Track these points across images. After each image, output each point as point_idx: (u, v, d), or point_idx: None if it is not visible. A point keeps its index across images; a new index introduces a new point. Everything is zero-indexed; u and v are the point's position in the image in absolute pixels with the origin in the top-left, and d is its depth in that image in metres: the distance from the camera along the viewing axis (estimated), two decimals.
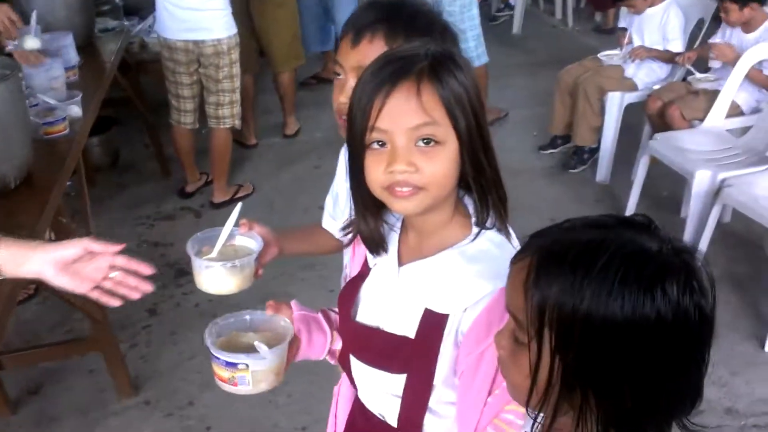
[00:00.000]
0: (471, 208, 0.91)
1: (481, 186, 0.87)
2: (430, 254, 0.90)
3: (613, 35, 5.17)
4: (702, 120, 2.98)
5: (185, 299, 2.76)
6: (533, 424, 0.72)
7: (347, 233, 1.00)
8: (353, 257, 1.07)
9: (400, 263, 0.93)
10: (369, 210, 0.93)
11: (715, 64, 3.24)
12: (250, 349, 1.00)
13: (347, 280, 1.07)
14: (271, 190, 3.59)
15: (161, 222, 3.34)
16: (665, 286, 0.60)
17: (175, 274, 2.92)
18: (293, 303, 1.08)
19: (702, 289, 0.62)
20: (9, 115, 1.69)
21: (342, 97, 1.06)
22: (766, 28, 3.03)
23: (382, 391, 0.97)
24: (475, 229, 0.89)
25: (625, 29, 3.58)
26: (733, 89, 2.89)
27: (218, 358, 0.99)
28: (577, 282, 0.61)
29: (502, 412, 0.88)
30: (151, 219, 3.35)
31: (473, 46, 3.71)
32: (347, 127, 0.88)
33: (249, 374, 1.00)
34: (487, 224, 0.89)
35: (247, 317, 1.08)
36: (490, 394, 0.88)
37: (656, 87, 3.31)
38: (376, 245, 0.95)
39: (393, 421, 0.98)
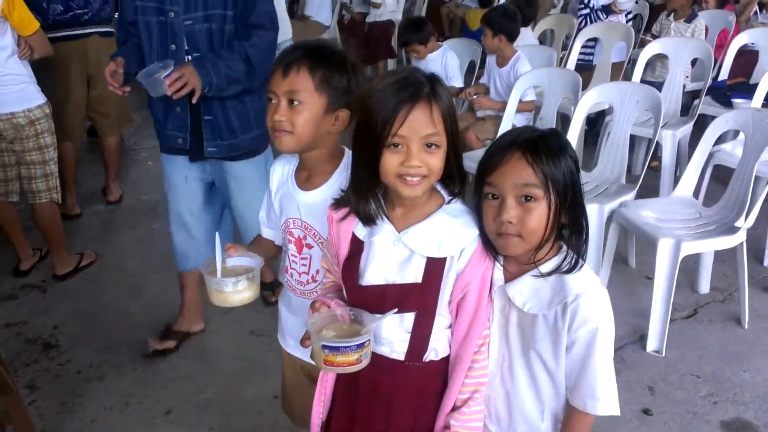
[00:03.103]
0: (440, 187, 1.28)
1: (454, 171, 1.24)
2: (420, 219, 1.25)
3: None
4: (492, 139, 3.68)
5: (63, 369, 2.69)
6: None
7: (343, 216, 1.30)
8: (335, 243, 1.36)
9: (397, 230, 1.26)
10: (369, 193, 1.25)
11: (480, 113, 3.95)
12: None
13: (341, 261, 1.35)
14: (117, 256, 3.57)
15: (3, 303, 3.15)
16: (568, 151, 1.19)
17: (41, 348, 2.82)
18: (334, 302, 1.28)
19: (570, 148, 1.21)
20: None
21: (276, 116, 1.41)
22: (513, 63, 3.84)
23: (395, 331, 1.27)
24: (447, 198, 1.27)
25: None
26: (511, 114, 3.64)
27: (349, 346, 1.14)
28: (553, 158, 1.16)
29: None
30: None
31: None
32: (358, 131, 1.21)
33: (371, 345, 1.18)
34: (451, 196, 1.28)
35: (338, 311, 1.24)
36: (477, 312, 1.25)
37: None
38: (371, 220, 1.27)
39: (401, 356, 1.28)
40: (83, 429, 2.37)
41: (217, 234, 1.38)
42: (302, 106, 1.38)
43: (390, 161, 1.18)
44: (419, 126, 1.15)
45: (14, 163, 3.15)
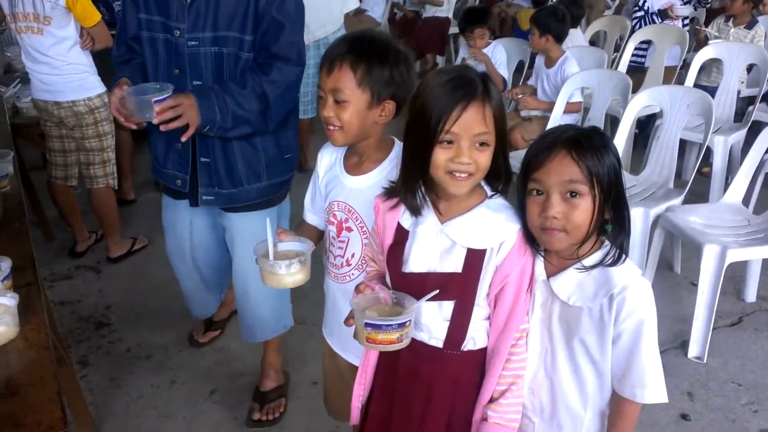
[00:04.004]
0: (482, 182, 1.31)
1: (501, 169, 1.28)
2: (462, 212, 1.29)
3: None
4: None
5: (114, 347, 2.81)
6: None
7: (392, 206, 1.35)
8: (381, 231, 1.41)
9: (441, 222, 1.30)
10: (417, 185, 1.29)
11: (524, 113, 3.96)
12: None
13: (386, 249, 1.39)
14: None
15: (60, 282, 3.31)
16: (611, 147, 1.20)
17: (93, 326, 2.95)
18: (378, 286, 1.34)
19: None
20: None
21: (324, 112, 1.46)
22: (561, 63, 3.83)
23: (435, 318, 1.31)
24: (489, 194, 1.30)
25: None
26: (558, 115, 3.63)
27: (390, 324, 1.18)
28: (597, 154, 1.17)
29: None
30: (48, 281, 3.30)
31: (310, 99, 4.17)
32: (410, 125, 1.26)
33: (411, 326, 1.22)
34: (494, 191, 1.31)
35: (381, 294, 1.29)
36: (516, 304, 1.28)
37: None
38: (417, 210, 1.32)
39: (439, 343, 1.32)
40: (130, 404, 2.48)
41: (268, 219, 1.42)
42: (346, 102, 1.43)
43: (440, 157, 1.21)
44: (472, 124, 1.19)
45: (74, 149, 3.30)
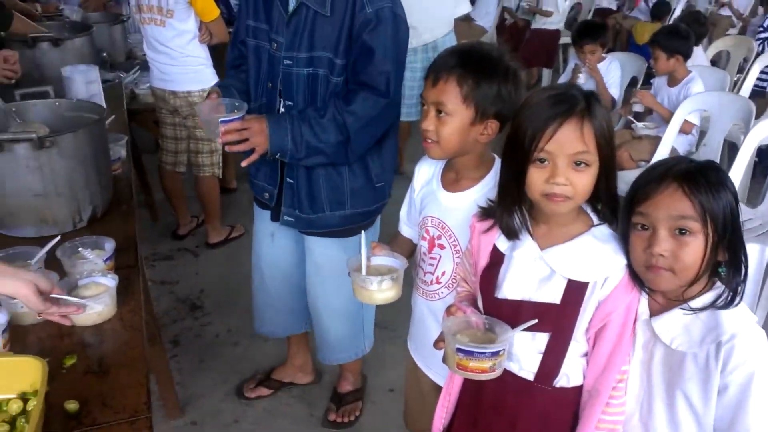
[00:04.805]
0: (589, 209, 1.23)
1: (606, 194, 1.20)
2: (564, 240, 1.22)
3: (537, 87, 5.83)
4: (648, 161, 3.49)
5: (204, 330, 2.91)
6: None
7: (489, 227, 1.30)
8: (475, 252, 1.36)
9: (540, 248, 1.24)
10: (515, 207, 1.24)
11: (637, 107, 3.80)
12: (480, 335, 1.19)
13: (480, 271, 1.34)
14: None
15: (161, 262, 3.47)
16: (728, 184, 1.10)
17: (188, 308, 3.06)
18: (470, 309, 1.30)
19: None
20: (99, 153, 1.87)
21: (424, 124, 1.41)
22: (686, 83, 3.62)
23: (527, 349, 1.25)
24: (596, 222, 1.22)
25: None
26: (673, 136, 3.43)
27: (484, 352, 1.13)
28: (713, 191, 1.08)
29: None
30: (150, 260, 3.47)
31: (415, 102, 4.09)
32: (508, 143, 1.21)
33: (505, 355, 1.17)
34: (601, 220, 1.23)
35: (473, 318, 1.24)
36: (619, 344, 1.20)
37: None
38: (514, 234, 1.26)
39: (530, 375, 1.26)
40: (214, 387, 2.55)
41: (363, 232, 1.41)
42: (448, 117, 1.38)
43: (535, 177, 1.16)
44: (567, 143, 1.13)
45: (185, 137, 3.45)
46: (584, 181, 1.15)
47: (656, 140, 3.53)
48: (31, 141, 1.64)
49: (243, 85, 1.96)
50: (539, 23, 6.52)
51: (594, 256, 1.20)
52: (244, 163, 1.78)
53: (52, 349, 1.33)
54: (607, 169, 1.17)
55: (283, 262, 2.15)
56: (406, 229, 1.66)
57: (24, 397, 1.15)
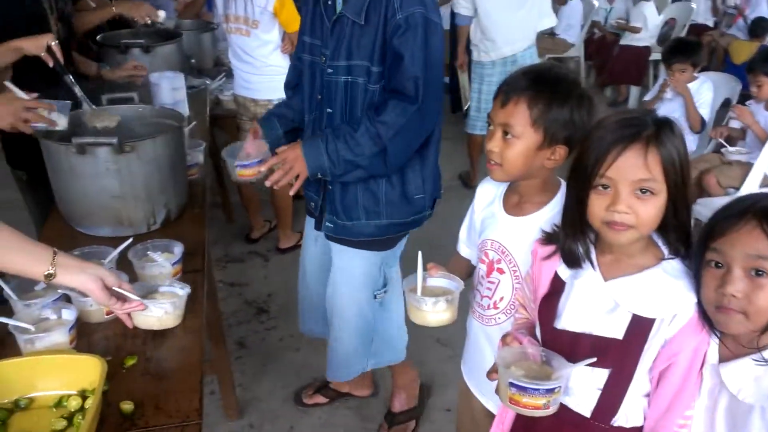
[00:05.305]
0: (660, 241, 1.17)
1: (676, 226, 1.13)
2: (631, 272, 1.16)
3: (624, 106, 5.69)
4: (737, 188, 3.30)
5: (269, 334, 2.96)
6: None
7: (551, 253, 1.26)
8: (536, 279, 1.32)
9: (604, 278, 1.18)
10: (579, 234, 1.19)
11: (734, 123, 3.60)
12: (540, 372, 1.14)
13: (539, 299, 1.30)
14: None
15: (233, 264, 3.56)
16: None
17: (255, 311, 3.13)
18: (527, 339, 1.25)
19: None
20: (176, 159, 1.94)
21: (489, 145, 1.37)
22: None
23: (585, 384, 1.20)
24: (668, 255, 1.16)
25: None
26: (766, 162, 3.23)
27: (538, 389, 1.08)
28: None
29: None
30: (222, 261, 3.57)
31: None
32: (573, 167, 1.16)
33: (561, 392, 1.11)
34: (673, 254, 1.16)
35: (529, 349, 1.19)
36: (683, 387, 1.13)
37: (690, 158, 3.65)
38: (576, 262, 1.21)
39: (587, 412, 1.21)
40: (274, 392, 2.59)
41: (419, 252, 1.39)
42: (515, 140, 1.35)
43: (596, 204, 1.11)
44: (630, 169, 1.07)
45: None
46: (648, 210, 1.09)
47: (747, 167, 3.33)
48: (111, 146, 1.71)
49: (290, 110, 2.01)
50: (628, 39, 6.31)
51: (662, 292, 1.13)
52: (291, 192, 1.80)
53: (116, 348, 1.38)
54: (678, 199, 1.10)
55: (322, 266, 2.17)
56: (465, 250, 1.63)
57: (83, 395, 1.19)
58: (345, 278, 2.04)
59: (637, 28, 6.22)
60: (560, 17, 6.37)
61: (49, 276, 1.23)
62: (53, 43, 2.05)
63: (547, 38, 6.33)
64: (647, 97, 4.18)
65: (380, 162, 1.75)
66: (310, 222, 2.15)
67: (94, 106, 2.04)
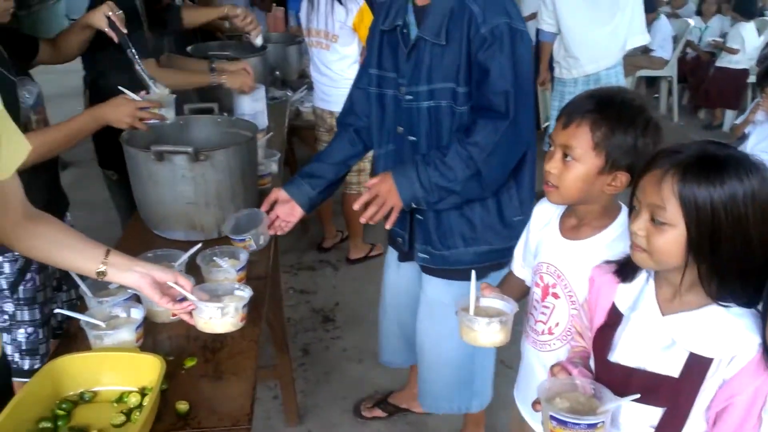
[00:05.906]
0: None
1: (709, 270, 1.07)
2: (691, 307, 1.10)
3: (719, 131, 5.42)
4: None
5: (333, 343, 3.00)
6: None
7: (609, 282, 1.22)
8: (593, 308, 1.28)
9: (662, 313, 1.13)
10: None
11: (760, 116, 3.41)
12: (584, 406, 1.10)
13: (594, 329, 1.26)
14: None
15: (303, 272, 3.64)
16: None
17: (321, 319, 3.18)
18: (578, 370, 1.21)
19: None
20: (247, 169, 2.00)
21: (547, 166, 1.34)
22: None
23: (638, 422, 1.15)
24: (716, 301, 1.09)
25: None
26: None
27: (579, 424, 1.04)
28: None
29: None
30: (294, 268, 3.65)
31: None
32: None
33: (605, 428, 1.07)
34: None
35: (578, 381, 1.16)
36: (741, 430, 1.06)
37: None
38: (635, 293, 1.17)
39: None
40: (334, 400, 2.63)
41: (473, 272, 1.37)
42: (575, 162, 1.32)
43: (630, 224, 1.12)
44: (646, 192, 1.07)
45: None
46: (659, 240, 1.06)
47: None
48: (187, 154, 1.79)
49: (321, 164, 2.01)
50: (725, 61, 6.03)
51: (723, 331, 1.07)
52: (387, 225, 1.74)
53: (178, 349, 1.44)
54: (702, 244, 1.03)
55: (406, 293, 2.11)
56: (519, 270, 1.60)
57: (143, 392, 1.25)
58: (437, 310, 1.95)
59: (735, 49, 5.93)
60: (652, 33, 6.15)
61: (100, 273, 1.28)
62: (110, 14, 2.00)
63: (641, 56, 6.13)
64: (737, 121, 3.98)
65: (475, 185, 1.68)
66: (392, 253, 2.11)
67: (154, 81, 2.08)
